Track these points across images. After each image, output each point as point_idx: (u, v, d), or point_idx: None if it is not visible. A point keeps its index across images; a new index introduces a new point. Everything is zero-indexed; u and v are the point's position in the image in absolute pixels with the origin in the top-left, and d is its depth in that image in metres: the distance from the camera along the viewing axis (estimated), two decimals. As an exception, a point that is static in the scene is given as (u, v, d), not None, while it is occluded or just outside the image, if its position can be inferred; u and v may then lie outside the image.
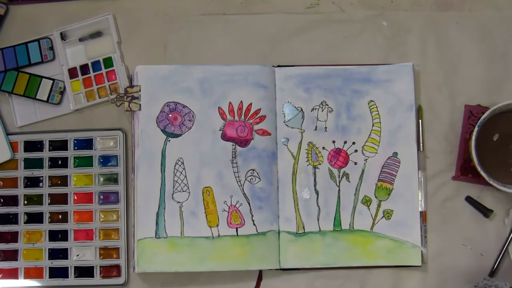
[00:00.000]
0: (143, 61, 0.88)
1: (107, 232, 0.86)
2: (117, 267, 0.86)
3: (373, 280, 0.86)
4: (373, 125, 0.87)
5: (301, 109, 0.87)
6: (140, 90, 0.86)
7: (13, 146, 0.88)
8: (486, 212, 0.86)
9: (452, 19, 0.90)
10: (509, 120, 0.85)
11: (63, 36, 0.89)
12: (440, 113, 0.89)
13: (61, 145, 0.88)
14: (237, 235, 0.85)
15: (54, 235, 0.86)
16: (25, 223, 0.87)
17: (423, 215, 0.86)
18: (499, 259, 0.85)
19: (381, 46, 0.90)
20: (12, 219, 0.87)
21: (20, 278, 0.86)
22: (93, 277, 0.86)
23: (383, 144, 0.87)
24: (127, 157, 0.88)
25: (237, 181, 0.85)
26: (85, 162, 0.88)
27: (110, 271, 0.86)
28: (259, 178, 0.85)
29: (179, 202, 0.85)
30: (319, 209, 0.86)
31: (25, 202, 0.87)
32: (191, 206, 0.85)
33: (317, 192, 0.86)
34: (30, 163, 0.88)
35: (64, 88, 0.89)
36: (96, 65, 0.89)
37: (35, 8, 0.91)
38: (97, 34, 0.90)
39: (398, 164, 0.86)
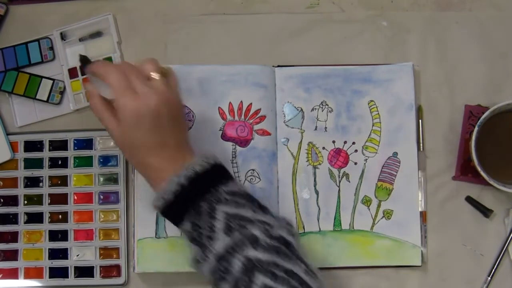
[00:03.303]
0: (143, 61, 0.88)
1: (107, 232, 0.86)
2: (117, 267, 0.86)
3: (373, 280, 0.86)
4: (373, 125, 0.87)
5: (301, 109, 0.87)
6: (140, 90, 0.86)
7: (13, 146, 0.88)
8: (486, 212, 0.86)
9: (452, 19, 0.90)
10: (509, 120, 0.85)
11: (63, 36, 0.89)
12: (440, 113, 0.89)
13: (61, 145, 0.88)
14: (237, 235, 0.85)
15: (54, 235, 0.86)
16: (25, 223, 0.87)
17: (423, 215, 0.86)
18: (499, 259, 0.85)
19: (381, 46, 0.90)
20: (12, 219, 0.87)
21: (20, 278, 0.86)
22: (93, 277, 0.86)
23: (383, 144, 0.87)
24: (127, 157, 0.88)
25: (237, 181, 0.85)
26: (85, 162, 0.88)
27: (110, 271, 0.86)
28: (259, 178, 0.85)
29: (179, 202, 0.85)
30: (319, 209, 0.86)
31: (25, 202, 0.87)
32: (191, 206, 0.85)
33: (317, 192, 0.86)
34: (30, 163, 0.88)
35: (64, 88, 0.89)
36: (96, 65, 0.89)
37: (35, 8, 0.90)
38: (97, 34, 0.90)
39: (398, 164, 0.86)
